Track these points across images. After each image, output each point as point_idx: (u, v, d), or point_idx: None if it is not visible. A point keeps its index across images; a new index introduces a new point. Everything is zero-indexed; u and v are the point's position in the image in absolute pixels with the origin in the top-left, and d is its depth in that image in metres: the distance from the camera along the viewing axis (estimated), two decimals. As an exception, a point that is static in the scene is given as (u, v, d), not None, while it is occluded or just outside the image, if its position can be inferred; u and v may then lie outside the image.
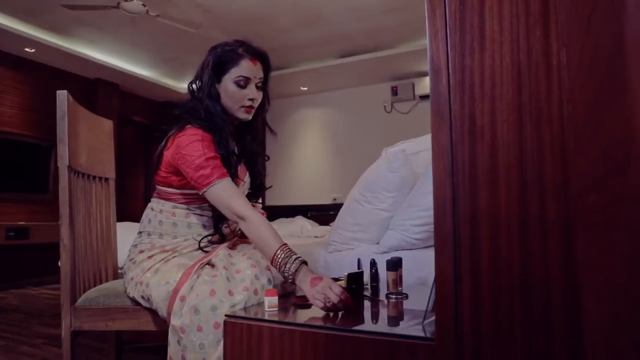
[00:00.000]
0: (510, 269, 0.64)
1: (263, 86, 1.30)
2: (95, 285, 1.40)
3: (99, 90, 5.49)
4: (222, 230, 1.25)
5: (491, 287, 0.66)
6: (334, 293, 0.97)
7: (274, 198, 6.31)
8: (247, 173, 1.33)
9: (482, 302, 0.66)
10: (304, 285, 1.03)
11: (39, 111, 4.84)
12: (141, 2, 3.66)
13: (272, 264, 1.09)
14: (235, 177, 1.21)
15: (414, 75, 5.50)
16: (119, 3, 3.63)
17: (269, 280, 1.14)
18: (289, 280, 1.07)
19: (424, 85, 5.51)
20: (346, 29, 4.50)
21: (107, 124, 1.61)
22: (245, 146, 1.34)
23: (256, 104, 1.28)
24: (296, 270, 1.05)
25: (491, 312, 0.65)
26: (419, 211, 1.39)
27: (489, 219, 0.67)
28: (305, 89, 6.08)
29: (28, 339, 2.40)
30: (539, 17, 0.66)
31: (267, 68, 1.30)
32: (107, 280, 1.48)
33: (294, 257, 1.07)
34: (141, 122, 6.37)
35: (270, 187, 1.43)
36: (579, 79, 0.52)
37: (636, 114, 0.26)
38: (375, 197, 1.53)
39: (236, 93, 1.24)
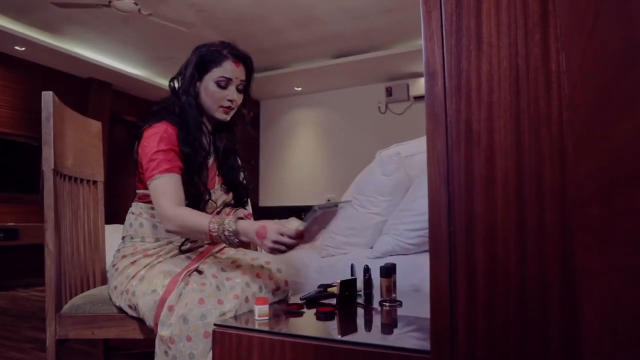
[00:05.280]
0: (507, 278, 0.62)
1: (245, 89, 1.29)
2: (83, 291, 1.36)
3: (91, 89, 5.42)
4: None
5: (487, 297, 0.64)
6: (288, 238, 0.99)
7: (267, 199, 6.28)
8: (220, 177, 1.31)
9: (478, 313, 0.64)
10: (254, 240, 1.03)
11: (30, 110, 4.77)
12: (133, 1, 3.61)
13: (212, 240, 1.07)
14: (200, 174, 1.19)
15: (408, 76, 5.49)
16: (110, 1, 3.58)
17: (260, 287, 1.12)
18: (237, 243, 1.06)
19: (419, 86, 5.51)
20: (340, 29, 4.48)
21: (96, 125, 1.57)
22: (221, 146, 1.32)
23: (235, 106, 1.27)
24: (236, 231, 1.03)
25: (487, 323, 0.63)
26: (413, 215, 1.37)
27: (485, 226, 0.65)
28: (300, 89, 6.05)
29: (16, 344, 2.36)
30: (538, 20, 0.64)
31: (249, 71, 1.29)
32: (95, 286, 1.45)
33: (226, 220, 1.05)
34: (134, 121, 6.31)
35: (250, 185, 1.39)
36: (580, 85, 0.50)
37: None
38: (368, 200, 1.50)
39: (216, 93, 1.23)
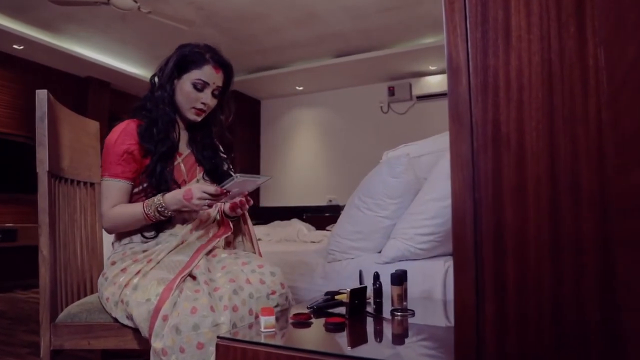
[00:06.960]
0: (540, 296, 0.57)
1: (221, 95, 1.31)
2: (80, 297, 1.32)
3: (89, 88, 5.37)
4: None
5: (518, 313, 0.58)
6: (210, 195, 1.11)
7: (268, 199, 6.23)
8: (201, 167, 1.33)
9: (508, 331, 0.58)
10: (183, 204, 1.13)
11: (28, 110, 4.71)
12: (132, -2, 3.55)
13: (150, 221, 1.16)
14: (164, 164, 1.21)
15: (411, 75, 5.43)
16: (109, -1, 3.52)
17: (250, 294, 1.07)
18: (171, 213, 1.17)
19: (421, 85, 5.45)
20: (341, 28, 4.42)
21: (93, 125, 1.52)
22: (196, 142, 1.34)
23: (207, 109, 1.29)
24: (164, 203, 1.14)
25: (519, 345, 0.57)
26: (424, 219, 1.31)
27: (515, 237, 0.59)
28: (301, 88, 5.99)
29: (13, 349, 2.30)
30: (573, 10, 0.58)
31: (228, 78, 1.32)
32: (92, 292, 1.40)
33: (155, 198, 1.15)
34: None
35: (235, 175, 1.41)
36: (630, 83, 0.45)
37: None
38: (376, 203, 1.45)
39: (191, 94, 1.25)
